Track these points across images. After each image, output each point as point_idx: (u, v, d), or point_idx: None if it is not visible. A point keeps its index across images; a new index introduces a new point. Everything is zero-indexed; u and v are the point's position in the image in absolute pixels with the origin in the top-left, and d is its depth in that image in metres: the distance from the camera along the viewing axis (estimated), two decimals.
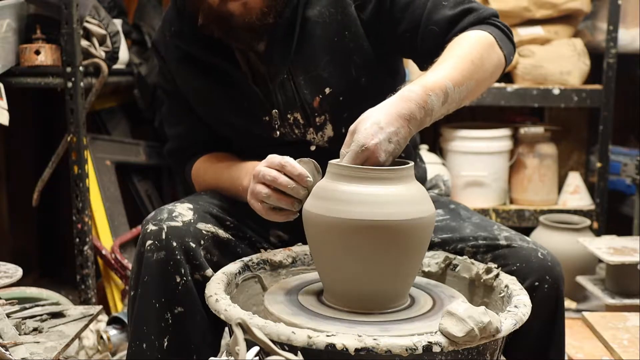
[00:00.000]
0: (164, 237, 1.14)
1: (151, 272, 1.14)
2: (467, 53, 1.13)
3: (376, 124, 1.00)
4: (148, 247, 1.14)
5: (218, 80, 1.33)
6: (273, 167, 1.11)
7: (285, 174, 1.09)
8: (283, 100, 1.30)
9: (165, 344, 1.14)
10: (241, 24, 1.23)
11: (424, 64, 1.22)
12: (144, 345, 1.15)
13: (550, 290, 1.16)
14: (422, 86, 1.05)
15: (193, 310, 1.13)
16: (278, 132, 1.32)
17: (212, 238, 1.20)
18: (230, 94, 1.32)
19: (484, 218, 1.31)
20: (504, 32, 1.22)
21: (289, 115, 1.30)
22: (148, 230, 1.15)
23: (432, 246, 1.26)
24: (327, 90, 1.28)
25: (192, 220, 1.18)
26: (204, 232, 1.19)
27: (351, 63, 1.28)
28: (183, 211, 1.19)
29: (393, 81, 1.34)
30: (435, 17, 1.22)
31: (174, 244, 1.14)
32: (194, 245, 1.15)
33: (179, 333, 1.15)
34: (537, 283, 1.15)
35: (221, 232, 1.23)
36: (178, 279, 1.14)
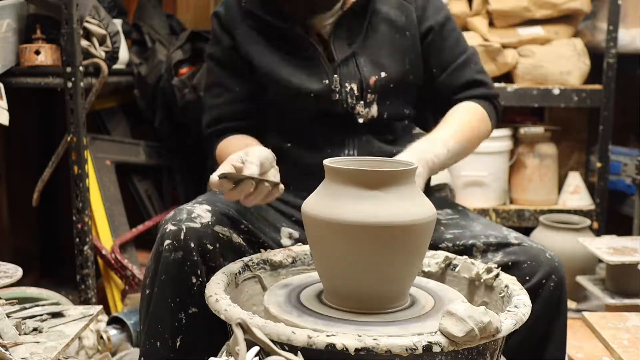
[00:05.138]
0: (182, 237, 1.15)
1: (168, 271, 1.15)
2: (467, 121, 1.40)
3: None
4: (166, 247, 1.15)
5: (285, 41, 1.42)
6: (223, 187, 1.10)
7: (235, 183, 1.11)
8: (344, 71, 1.41)
9: (178, 344, 1.15)
10: (305, 3, 1.37)
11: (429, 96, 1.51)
12: (158, 344, 1.16)
13: (556, 288, 1.19)
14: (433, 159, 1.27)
15: (207, 311, 1.12)
16: (337, 96, 1.41)
17: (226, 242, 1.21)
18: (295, 54, 1.42)
19: (490, 221, 1.38)
20: (496, 111, 1.49)
21: (347, 84, 1.41)
22: (167, 230, 1.16)
23: (443, 242, 1.28)
24: (383, 74, 1.42)
25: (210, 223, 1.19)
26: (220, 235, 1.20)
27: (406, 58, 1.45)
28: (202, 213, 1.21)
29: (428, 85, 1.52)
30: (460, 72, 1.46)
31: (192, 244, 1.15)
32: (211, 248, 1.17)
33: (192, 333, 1.16)
34: (544, 280, 1.19)
35: (235, 237, 1.24)
36: (194, 280, 1.15)
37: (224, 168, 1.12)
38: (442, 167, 1.31)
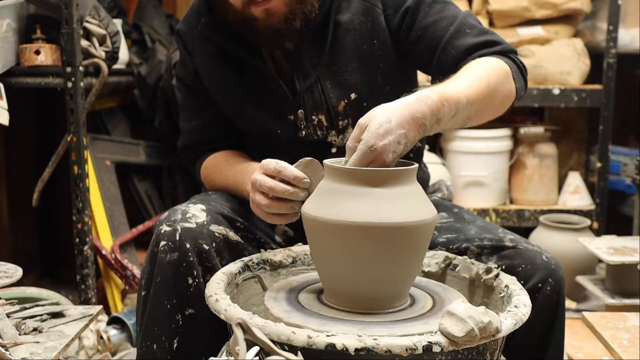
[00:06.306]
0: (177, 238, 1.14)
1: (164, 273, 1.14)
2: (484, 75, 1.14)
3: (387, 123, 0.98)
4: (162, 248, 1.14)
5: (245, 75, 1.34)
6: (268, 173, 1.11)
7: (281, 180, 1.10)
8: (310, 102, 1.32)
9: (175, 345, 1.15)
10: (264, 28, 1.25)
11: (436, 80, 1.24)
12: (154, 346, 1.15)
13: (553, 292, 1.17)
14: (439, 94, 1.04)
15: (204, 312, 1.12)
16: (304, 132, 1.33)
17: (223, 240, 1.21)
18: (256, 90, 1.34)
19: (487, 222, 1.33)
20: (520, 69, 1.24)
21: (313, 117, 1.33)
22: (162, 231, 1.16)
23: (436, 246, 1.27)
24: (353, 96, 1.32)
25: (205, 222, 1.18)
26: (216, 234, 1.19)
27: (377, 70, 1.32)
28: (196, 212, 1.20)
29: (411, 90, 1.36)
30: (456, 42, 1.24)
31: (188, 245, 1.14)
32: (207, 247, 1.16)
33: (189, 334, 1.15)
34: (540, 284, 1.17)
35: (232, 234, 1.23)
36: (190, 281, 1.14)
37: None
38: (440, 130, 1.09)
